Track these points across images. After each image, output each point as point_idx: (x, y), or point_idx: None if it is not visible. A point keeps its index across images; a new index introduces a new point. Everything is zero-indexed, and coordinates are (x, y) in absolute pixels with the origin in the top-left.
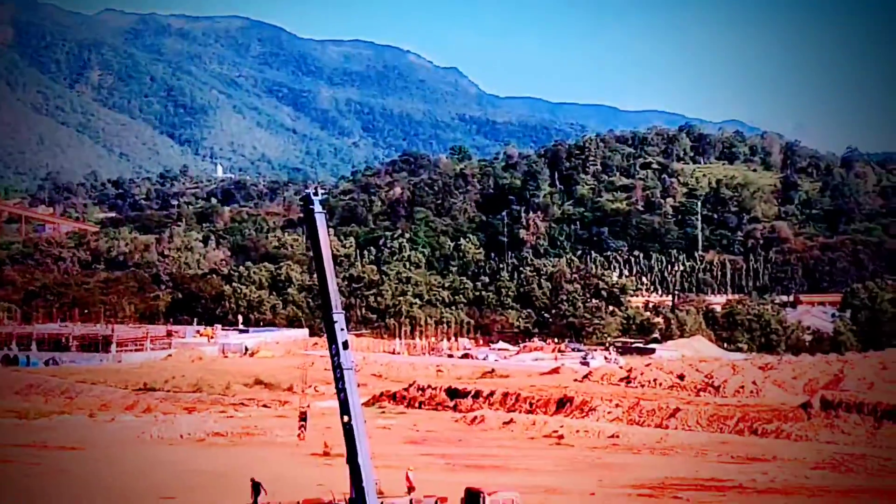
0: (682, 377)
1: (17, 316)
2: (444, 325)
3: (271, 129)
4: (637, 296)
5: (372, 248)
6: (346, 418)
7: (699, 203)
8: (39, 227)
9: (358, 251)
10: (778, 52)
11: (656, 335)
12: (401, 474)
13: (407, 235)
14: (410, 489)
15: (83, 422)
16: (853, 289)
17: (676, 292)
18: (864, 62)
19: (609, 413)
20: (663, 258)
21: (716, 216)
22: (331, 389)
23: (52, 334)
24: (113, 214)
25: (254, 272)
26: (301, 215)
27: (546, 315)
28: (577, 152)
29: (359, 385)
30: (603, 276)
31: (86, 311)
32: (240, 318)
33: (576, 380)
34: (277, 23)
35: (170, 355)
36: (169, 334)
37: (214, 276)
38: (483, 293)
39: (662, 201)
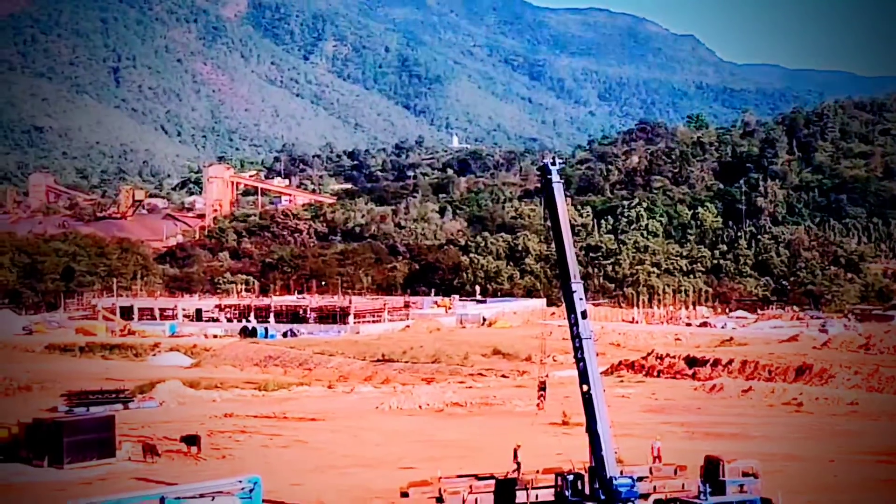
0: None
1: (255, 288)
2: (682, 294)
3: (506, 99)
4: (876, 263)
5: (609, 217)
6: (584, 387)
7: None
8: (276, 200)
9: (595, 220)
10: None
11: (895, 302)
12: (640, 443)
13: (644, 204)
14: (657, 460)
15: (322, 393)
16: None
17: None
18: None
19: (848, 380)
20: None
21: None
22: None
23: (289, 306)
24: (349, 186)
25: (491, 242)
26: (538, 185)
27: (784, 283)
28: (815, 119)
29: (597, 354)
30: (841, 243)
31: (323, 282)
32: (477, 288)
33: (814, 347)
34: None
35: (407, 326)
36: (406, 305)
37: (451, 246)
38: (721, 261)
39: None
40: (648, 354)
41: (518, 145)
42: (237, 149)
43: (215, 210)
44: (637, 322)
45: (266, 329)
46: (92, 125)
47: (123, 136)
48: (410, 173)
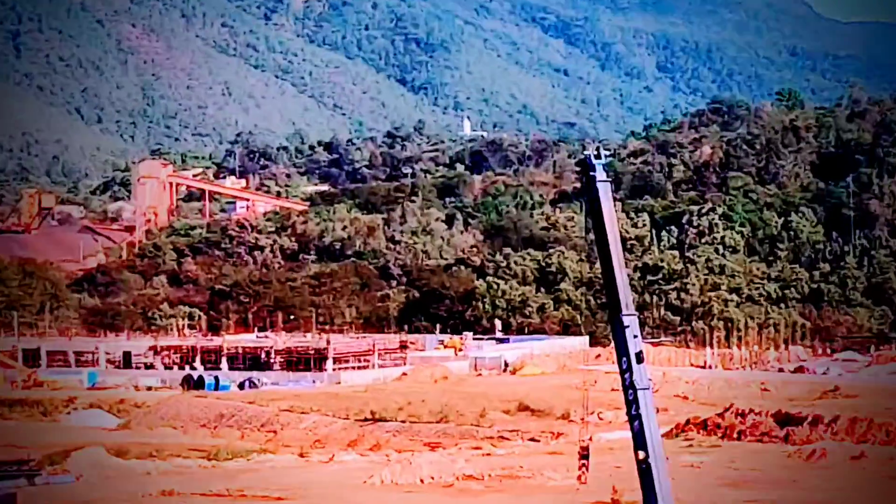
0: None
1: (201, 324)
2: (771, 329)
3: (535, 70)
4: None
5: (673, 227)
6: (641, 454)
7: None
8: (229, 207)
9: (654, 232)
10: None
11: None
12: None
13: (719, 210)
14: None
15: (291, 463)
16: None
17: None
18: None
19: None
20: None
21: None
22: (620, 416)
23: (248, 348)
24: (326, 187)
25: (515, 262)
26: (577, 185)
27: None
28: None
29: (658, 410)
30: None
31: (292, 316)
32: (497, 323)
33: None
34: None
35: (405, 374)
36: (403, 346)
37: (462, 267)
38: (822, 286)
39: None
40: (726, 410)
41: (551, 132)
42: (177, 139)
43: (148, 220)
44: (711, 367)
45: (216, 379)
46: None
47: (25, 123)
48: (407, 170)
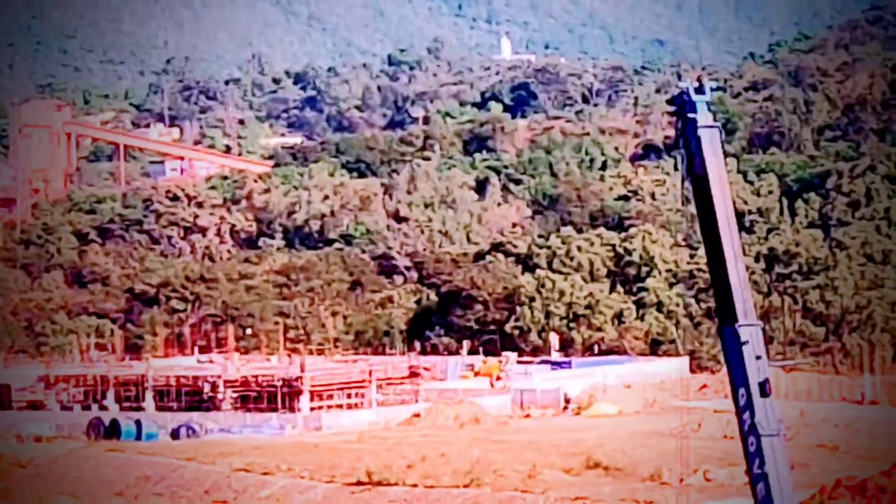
0: None
1: (114, 344)
2: None
3: None
4: None
5: (813, 195)
6: None
7: None
8: (154, 169)
9: (785, 203)
10: None
11: None
12: None
13: (882, 169)
14: None
15: None
16: None
17: None
18: None
19: None
20: None
21: None
22: (737, 476)
23: (184, 378)
24: (297, 140)
25: (578, 247)
26: (669, 134)
27: None
28: None
29: (793, 466)
30: None
31: (249, 330)
32: (553, 339)
33: None
34: None
35: (416, 415)
36: (413, 374)
37: (501, 256)
38: None
39: None
40: (895, 467)
41: (630, 55)
42: (77, 69)
43: (36, 190)
44: (874, 402)
45: (138, 424)
46: None
47: None
48: (418, 112)
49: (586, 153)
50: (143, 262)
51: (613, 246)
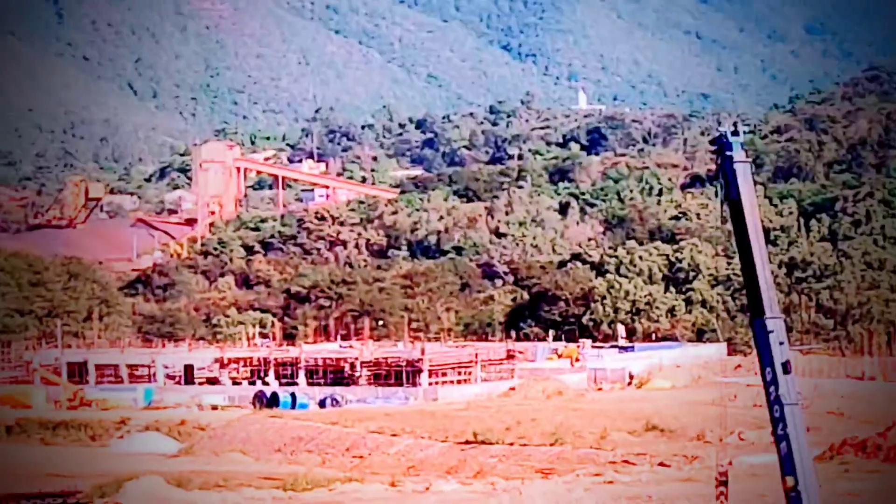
0: None
1: (274, 333)
2: None
3: (662, 33)
4: None
5: (824, 215)
6: (789, 481)
7: None
8: (305, 195)
9: (802, 221)
10: None
11: None
12: None
13: (878, 195)
14: None
15: (381, 493)
16: None
17: None
18: None
19: None
20: None
21: None
22: (764, 437)
23: (329, 360)
24: (418, 172)
25: (640, 257)
26: (712, 167)
27: None
28: None
29: (808, 429)
30: None
31: (380, 322)
32: (620, 328)
33: None
34: None
35: (512, 388)
36: (510, 356)
37: (579, 263)
38: None
39: None
40: (889, 429)
41: (680, 105)
42: (245, 117)
43: (212, 212)
44: (872, 378)
45: (293, 396)
46: (21, 82)
47: (69, 100)
48: (513, 150)
49: (646, 183)
50: (297, 269)
51: (667, 256)
